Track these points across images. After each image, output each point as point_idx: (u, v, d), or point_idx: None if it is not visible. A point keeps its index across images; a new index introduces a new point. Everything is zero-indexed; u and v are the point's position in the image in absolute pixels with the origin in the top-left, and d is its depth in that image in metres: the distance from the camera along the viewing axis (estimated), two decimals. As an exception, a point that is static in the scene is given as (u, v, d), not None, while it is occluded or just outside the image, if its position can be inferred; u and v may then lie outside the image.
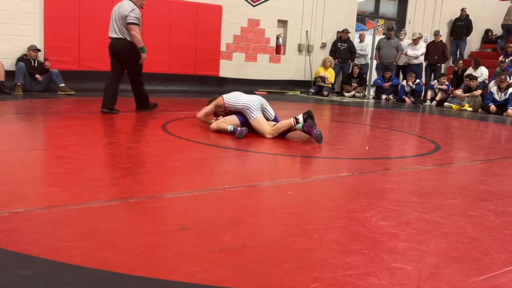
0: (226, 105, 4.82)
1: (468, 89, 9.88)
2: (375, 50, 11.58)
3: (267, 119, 4.77)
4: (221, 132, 4.63)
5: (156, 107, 6.33)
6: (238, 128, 4.47)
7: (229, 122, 4.67)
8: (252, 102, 4.70)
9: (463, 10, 12.86)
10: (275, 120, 4.84)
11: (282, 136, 4.66)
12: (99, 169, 3.05)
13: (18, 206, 2.21)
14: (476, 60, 10.92)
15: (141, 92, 6.13)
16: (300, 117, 4.51)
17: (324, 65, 11.18)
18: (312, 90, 11.08)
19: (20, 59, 7.81)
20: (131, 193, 2.55)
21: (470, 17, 12.88)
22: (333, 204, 2.67)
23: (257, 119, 4.64)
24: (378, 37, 12.06)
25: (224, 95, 4.91)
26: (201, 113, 5.07)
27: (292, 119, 4.54)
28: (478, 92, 9.69)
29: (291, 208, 2.51)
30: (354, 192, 2.94)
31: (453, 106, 9.95)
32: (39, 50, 8.02)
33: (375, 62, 11.67)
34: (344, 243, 2.03)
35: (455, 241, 2.14)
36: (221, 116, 4.93)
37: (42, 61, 8.06)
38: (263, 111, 4.78)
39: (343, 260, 1.84)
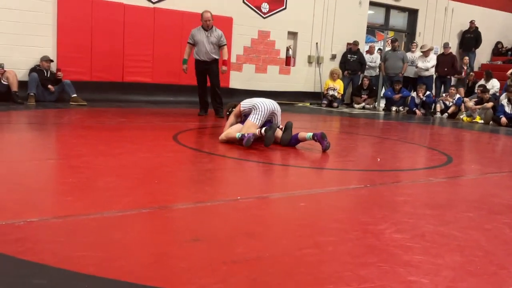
0: (242, 110, 4.85)
1: (480, 101, 9.82)
2: (380, 62, 11.58)
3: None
4: (230, 141, 4.64)
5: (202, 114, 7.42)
6: (246, 134, 4.45)
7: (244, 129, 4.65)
8: (263, 105, 4.73)
9: (472, 22, 12.84)
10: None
11: (292, 145, 4.66)
12: (111, 179, 3.06)
13: (32, 215, 2.22)
14: (488, 72, 10.86)
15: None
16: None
17: (332, 77, 11.19)
18: (325, 102, 11.09)
19: (33, 69, 7.92)
20: (143, 203, 2.56)
21: (480, 30, 12.86)
22: (346, 216, 2.66)
23: (251, 123, 4.63)
24: (388, 49, 12.07)
25: (241, 102, 4.93)
26: (224, 134, 4.73)
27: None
28: (490, 104, 9.63)
29: (303, 220, 2.49)
30: (366, 204, 2.92)
31: (464, 118, 9.88)
32: (51, 61, 8.12)
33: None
34: (358, 256, 2.01)
35: (470, 254, 2.11)
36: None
37: (55, 71, 8.16)
38: (273, 116, 4.81)
39: (358, 273, 1.82)
